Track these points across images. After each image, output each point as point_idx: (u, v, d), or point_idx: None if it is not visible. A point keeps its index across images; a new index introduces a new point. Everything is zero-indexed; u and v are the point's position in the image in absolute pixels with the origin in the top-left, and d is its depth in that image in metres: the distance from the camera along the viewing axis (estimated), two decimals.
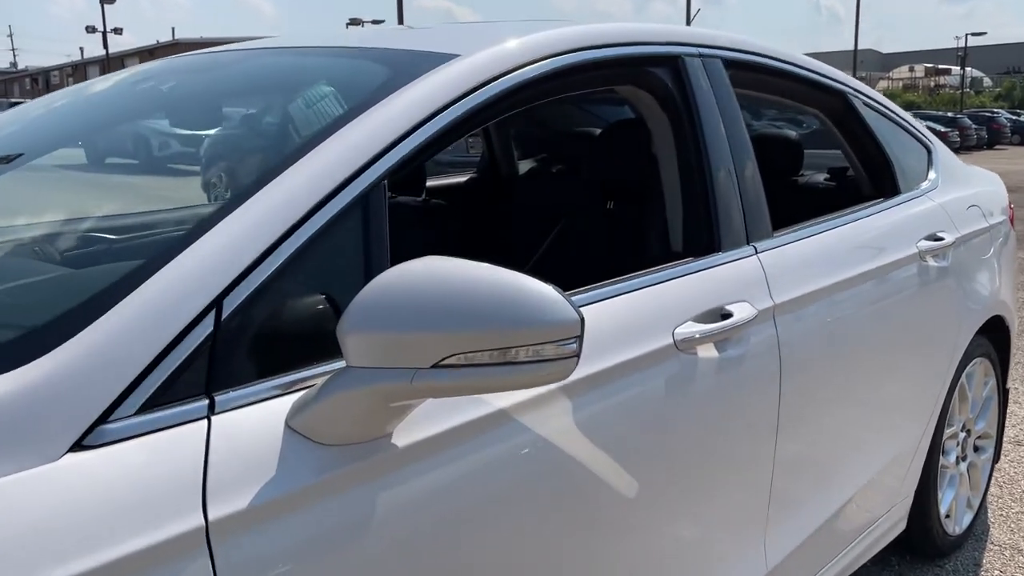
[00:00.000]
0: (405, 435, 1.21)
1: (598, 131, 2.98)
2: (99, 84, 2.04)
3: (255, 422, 1.10)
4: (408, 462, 1.21)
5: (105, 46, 43.14)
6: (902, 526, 2.71)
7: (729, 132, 2.00)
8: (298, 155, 1.30)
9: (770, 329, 1.88)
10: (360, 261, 1.28)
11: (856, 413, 2.24)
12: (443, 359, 1.07)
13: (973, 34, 57.98)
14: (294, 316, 1.19)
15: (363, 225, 1.29)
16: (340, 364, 1.16)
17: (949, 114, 37.37)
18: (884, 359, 2.32)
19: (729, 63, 2.11)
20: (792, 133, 3.16)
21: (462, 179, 3.65)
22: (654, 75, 1.94)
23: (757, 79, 2.30)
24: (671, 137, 1.97)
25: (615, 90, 2.01)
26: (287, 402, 1.14)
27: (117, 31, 44.24)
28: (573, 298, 1.54)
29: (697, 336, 1.67)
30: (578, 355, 1.10)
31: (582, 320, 1.09)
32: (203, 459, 1.04)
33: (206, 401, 1.08)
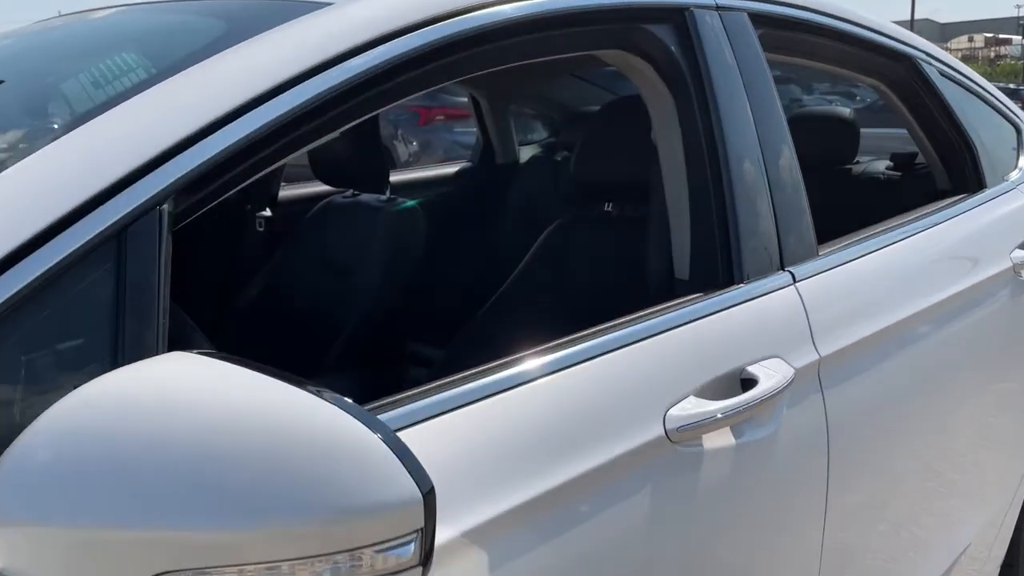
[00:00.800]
0: None
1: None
2: None
3: None
4: None
5: None
6: None
7: (757, 112, 1.44)
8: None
9: (814, 394, 1.32)
10: (98, 351, 0.75)
11: (934, 488, 1.67)
12: None
13: None
14: None
15: (113, 283, 0.77)
16: None
17: (1011, 86, 35.74)
18: (970, 411, 1.75)
19: (758, 18, 1.54)
20: (844, 110, 2.57)
21: (451, 170, 3.12)
22: (651, 35, 1.38)
23: (797, 40, 1.72)
24: (675, 120, 1.42)
25: (597, 57, 1.46)
26: None
27: None
28: (508, 372, 1.00)
29: (702, 420, 1.12)
30: (423, 565, 0.57)
31: (428, 497, 0.56)
32: None
33: None
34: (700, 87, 1.40)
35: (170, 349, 0.87)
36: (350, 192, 2.46)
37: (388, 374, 2.37)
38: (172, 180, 0.82)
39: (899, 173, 2.54)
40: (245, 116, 0.89)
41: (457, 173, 3.12)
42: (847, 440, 1.37)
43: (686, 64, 1.40)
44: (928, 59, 2.06)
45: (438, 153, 8.10)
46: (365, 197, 2.43)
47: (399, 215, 2.34)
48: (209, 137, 0.86)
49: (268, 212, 2.59)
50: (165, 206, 0.81)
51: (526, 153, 3.19)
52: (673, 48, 1.39)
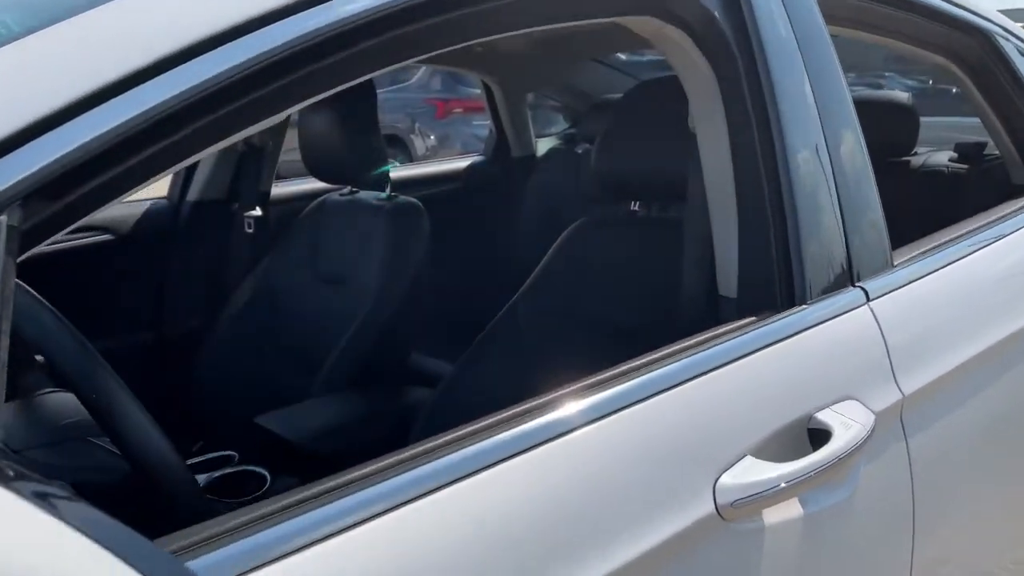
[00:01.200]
0: None
1: None
2: None
3: None
4: None
5: None
6: None
7: (819, 92, 1.18)
8: None
9: (896, 443, 1.06)
10: None
11: None
12: None
13: None
14: None
15: None
16: None
17: None
18: None
19: None
20: (902, 94, 2.29)
21: (460, 165, 2.87)
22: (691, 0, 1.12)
23: (860, 9, 1.45)
24: (718, 103, 1.16)
25: (623, 25, 1.20)
26: None
27: None
28: (502, 436, 0.74)
29: (763, 491, 0.86)
30: None
31: None
32: None
33: None
34: (750, 62, 1.13)
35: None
36: (347, 189, 2.21)
37: (388, 391, 2.13)
38: (16, 180, 0.57)
39: (965, 166, 2.26)
40: (145, 85, 0.64)
41: (467, 168, 2.87)
42: (935, 496, 1.10)
43: (732, 34, 1.13)
44: (1006, 35, 1.78)
45: (456, 147, 7.87)
46: (364, 195, 2.18)
47: (401, 214, 2.10)
48: (84, 115, 0.61)
49: (258, 211, 2.36)
50: (3, 218, 0.56)
51: (544, 146, 2.93)
52: (716, 15, 1.13)
